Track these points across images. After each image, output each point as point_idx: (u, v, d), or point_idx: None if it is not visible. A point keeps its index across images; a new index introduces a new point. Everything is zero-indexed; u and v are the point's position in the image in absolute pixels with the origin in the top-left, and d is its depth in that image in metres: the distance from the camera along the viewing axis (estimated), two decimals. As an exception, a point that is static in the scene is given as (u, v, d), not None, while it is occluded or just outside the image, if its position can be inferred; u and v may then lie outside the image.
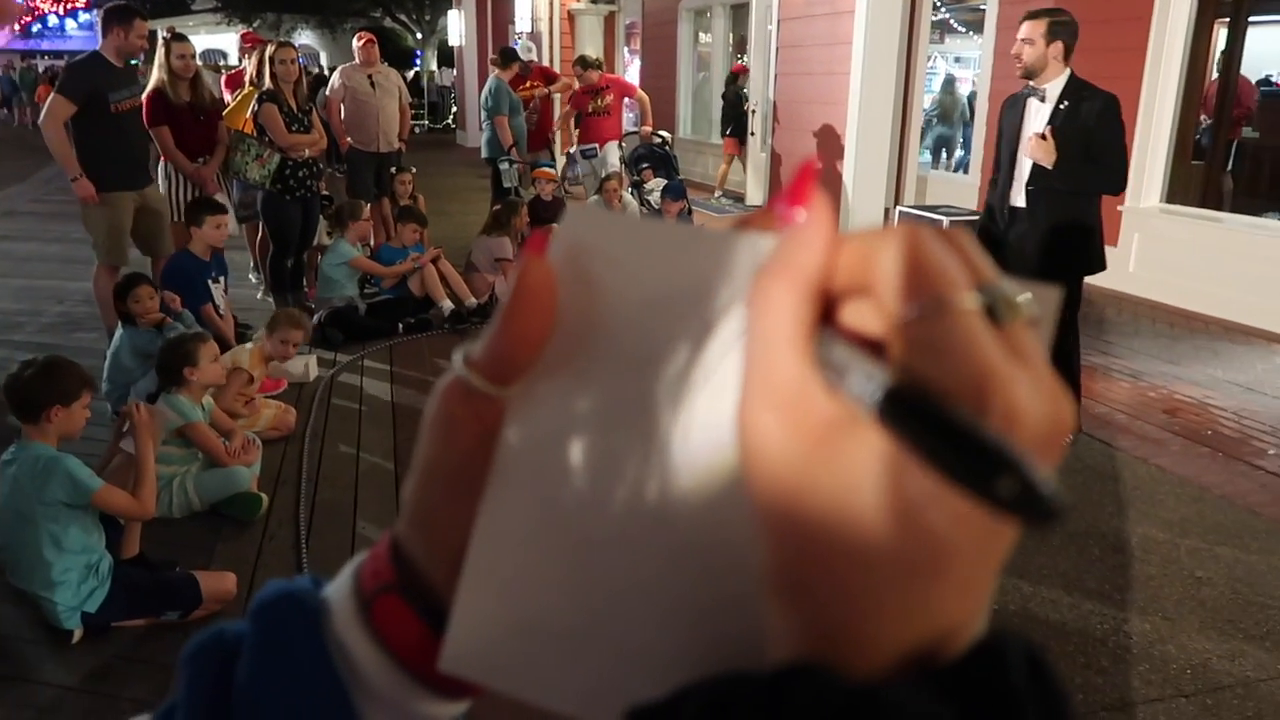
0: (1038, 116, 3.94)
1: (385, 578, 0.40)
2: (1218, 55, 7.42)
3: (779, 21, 9.67)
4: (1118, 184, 3.98)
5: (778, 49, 9.79)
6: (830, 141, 9.07)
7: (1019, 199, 4.04)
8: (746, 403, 0.31)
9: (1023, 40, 3.88)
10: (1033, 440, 0.26)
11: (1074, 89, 3.85)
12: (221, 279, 5.28)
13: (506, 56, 8.71)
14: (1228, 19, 7.33)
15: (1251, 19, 7.39)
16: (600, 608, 0.37)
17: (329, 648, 0.39)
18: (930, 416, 0.25)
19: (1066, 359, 4.07)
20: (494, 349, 0.37)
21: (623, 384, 0.37)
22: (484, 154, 8.62)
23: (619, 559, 0.37)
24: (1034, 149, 3.85)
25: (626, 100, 9.13)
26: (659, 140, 9.02)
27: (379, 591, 0.40)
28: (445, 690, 0.40)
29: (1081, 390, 4.21)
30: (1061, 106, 3.86)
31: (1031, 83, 3.95)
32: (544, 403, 0.38)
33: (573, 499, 0.37)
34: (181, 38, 5.89)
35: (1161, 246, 6.77)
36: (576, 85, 8.89)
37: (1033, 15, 3.91)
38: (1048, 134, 3.84)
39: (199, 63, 6.16)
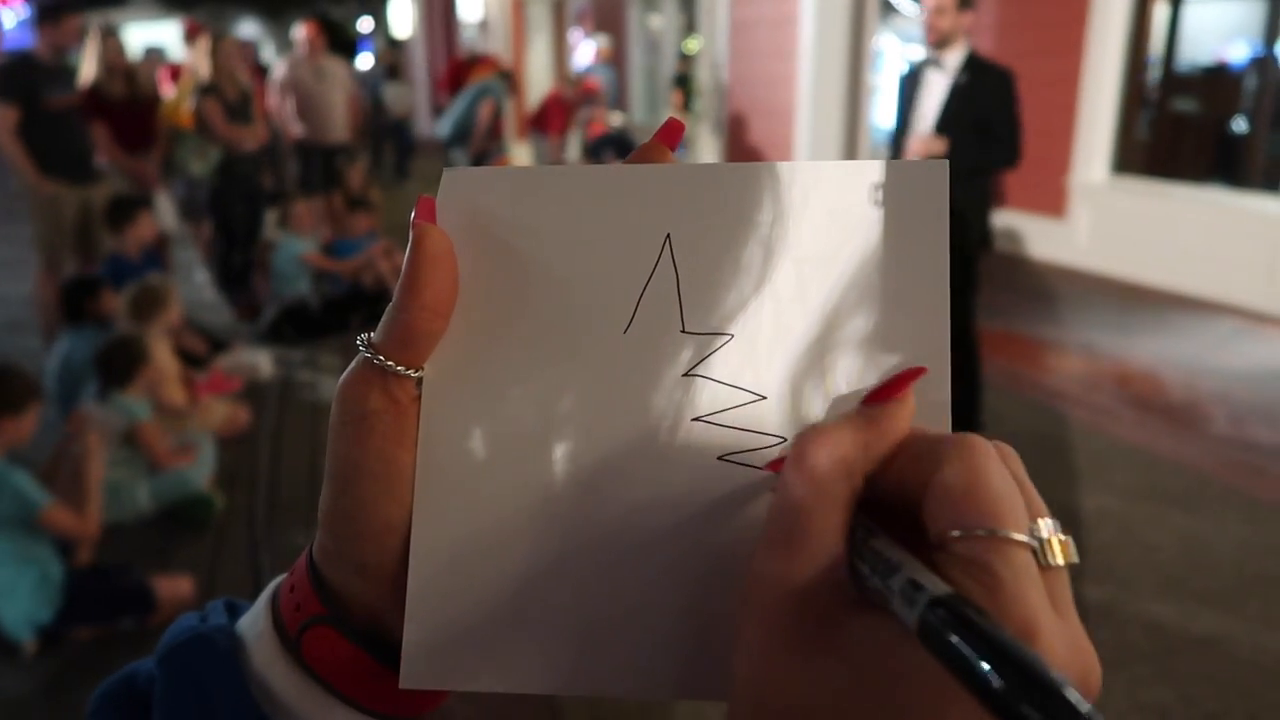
0: (935, 87, 3.86)
1: (311, 609, 0.37)
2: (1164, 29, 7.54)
3: (731, 2, 9.68)
4: (1014, 159, 3.88)
5: (731, 29, 9.80)
6: (782, 120, 9.10)
7: None
8: (765, 554, 0.29)
9: (936, 9, 3.78)
10: None
11: (973, 64, 3.80)
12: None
13: (507, 77, 9.36)
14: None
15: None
16: (555, 585, 0.36)
17: (249, 687, 0.37)
18: (989, 640, 0.23)
19: (970, 364, 3.82)
20: (399, 325, 0.35)
21: (555, 348, 0.36)
22: (446, 133, 8.66)
23: (575, 538, 0.36)
24: (922, 150, 3.75)
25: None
26: (616, 127, 9.11)
27: (308, 625, 0.37)
28: (394, 712, 0.38)
29: (983, 409, 3.98)
30: (960, 82, 3.78)
31: (933, 53, 3.87)
32: (466, 378, 0.36)
33: (515, 480, 0.36)
34: (112, 32, 5.77)
35: (1110, 219, 6.88)
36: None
37: None
38: (929, 139, 3.76)
39: (141, 58, 6.05)
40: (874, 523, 0.30)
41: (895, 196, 0.35)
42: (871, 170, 0.35)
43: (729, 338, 0.36)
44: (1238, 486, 3.67)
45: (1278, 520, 3.41)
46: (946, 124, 3.79)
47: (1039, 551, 0.28)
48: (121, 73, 5.71)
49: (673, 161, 0.37)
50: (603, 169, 0.36)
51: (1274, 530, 3.33)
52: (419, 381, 0.36)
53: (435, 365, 0.36)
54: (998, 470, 0.28)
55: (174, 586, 2.97)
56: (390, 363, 0.35)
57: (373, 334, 0.35)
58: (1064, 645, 0.26)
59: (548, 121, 9.50)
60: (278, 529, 3.48)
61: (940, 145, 3.74)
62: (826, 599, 0.28)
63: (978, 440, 0.29)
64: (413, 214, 0.36)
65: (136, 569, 3.05)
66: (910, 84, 3.97)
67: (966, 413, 3.80)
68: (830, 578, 0.28)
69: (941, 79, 3.83)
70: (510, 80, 9.52)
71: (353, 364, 0.36)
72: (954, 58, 3.81)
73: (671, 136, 0.38)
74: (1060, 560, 0.28)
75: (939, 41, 3.82)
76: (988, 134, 3.74)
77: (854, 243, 0.35)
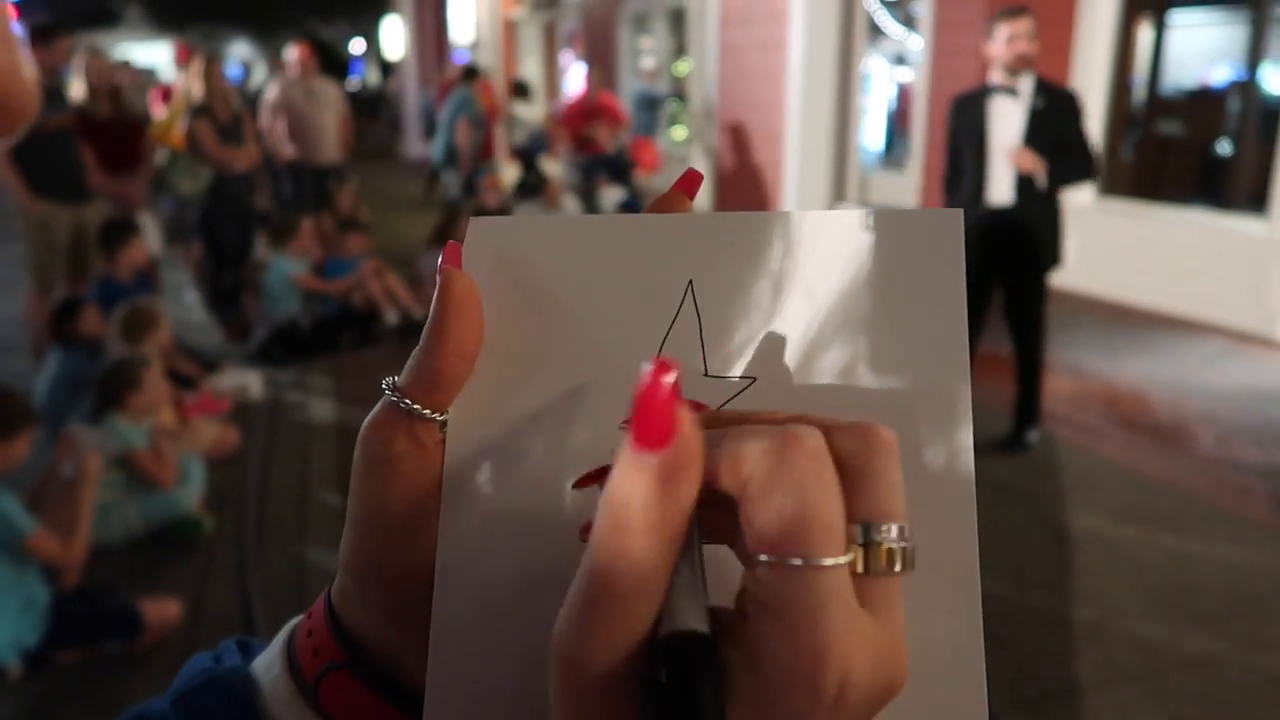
0: (1008, 114, 3.95)
1: (330, 655, 0.37)
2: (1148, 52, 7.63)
3: (720, 25, 9.76)
4: (1095, 173, 4.09)
5: (721, 52, 9.87)
6: (772, 142, 9.15)
7: (998, 198, 4.01)
8: (566, 625, 0.27)
9: (1025, 36, 3.90)
10: (856, 706, 0.25)
11: (1042, 87, 3.94)
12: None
13: (471, 73, 8.96)
14: (1152, 11, 7.53)
15: (1175, 9, 7.60)
16: None
17: None
18: (683, 688, 0.24)
19: (1031, 359, 4.18)
20: (425, 369, 0.35)
21: (579, 393, 0.36)
22: (438, 157, 8.66)
23: None
24: (1023, 162, 3.86)
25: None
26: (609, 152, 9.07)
27: (326, 671, 0.37)
28: None
29: (1041, 392, 4.29)
30: (1038, 107, 3.90)
31: (999, 80, 3.96)
32: (491, 422, 0.36)
33: (540, 526, 0.35)
34: (98, 52, 5.78)
35: (1097, 241, 6.93)
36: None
37: (1018, 12, 3.93)
38: (1020, 149, 3.87)
39: (126, 78, 6.06)
40: (693, 553, 0.28)
41: (914, 243, 0.36)
42: (889, 218, 0.36)
43: (752, 381, 0.36)
44: (1225, 506, 3.68)
45: (1265, 540, 3.42)
46: (1030, 147, 3.91)
47: (871, 558, 0.26)
48: (107, 93, 5.70)
49: (691, 210, 0.38)
50: (626, 218, 0.37)
51: (1261, 550, 3.35)
52: (443, 425, 0.36)
53: (460, 409, 0.36)
54: (811, 481, 0.25)
55: (161, 609, 2.95)
56: (416, 406, 0.35)
57: (397, 378, 0.36)
58: (862, 663, 0.25)
59: (565, 123, 9.31)
60: (267, 551, 3.46)
61: (1037, 162, 3.85)
62: (632, 672, 0.26)
63: (787, 445, 0.26)
64: (439, 259, 0.36)
65: (123, 592, 3.03)
66: (974, 111, 4.04)
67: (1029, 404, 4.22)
68: (636, 648, 0.26)
69: (1016, 105, 3.95)
70: (476, 76, 9.12)
71: (377, 407, 0.36)
72: (1027, 83, 3.95)
73: (690, 186, 0.39)
74: (896, 569, 0.26)
75: (1014, 69, 3.93)
76: (1066, 153, 3.89)
77: (871, 288, 0.36)
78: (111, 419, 3.50)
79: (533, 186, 8.92)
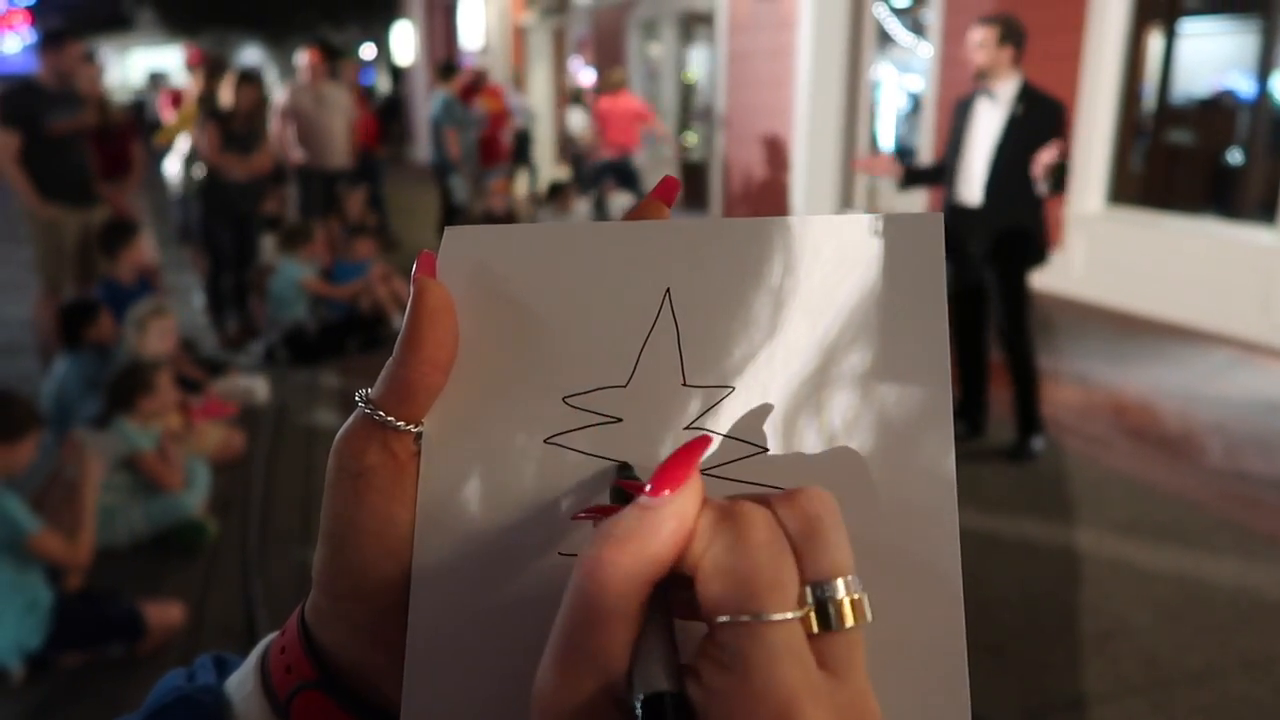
0: (988, 116, 4.02)
1: (303, 672, 0.36)
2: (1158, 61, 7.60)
3: (729, 32, 9.76)
4: (1061, 187, 4.08)
5: (729, 58, 9.87)
6: (779, 149, 9.15)
7: (969, 197, 4.07)
8: (546, 668, 0.28)
9: (978, 45, 3.97)
10: None
11: (1027, 95, 3.97)
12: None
13: (448, 70, 8.71)
14: (1162, 19, 7.50)
15: (1185, 17, 7.57)
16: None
17: None
18: None
19: (1018, 362, 4.15)
20: (398, 380, 0.34)
21: (556, 403, 0.36)
22: (434, 164, 8.63)
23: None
24: (1042, 172, 3.85)
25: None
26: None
27: (299, 689, 0.36)
28: None
29: (1039, 397, 4.27)
30: (1017, 113, 3.94)
31: (982, 83, 4.03)
32: (466, 434, 0.36)
33: (516, 538, 0.35)
34: (87, 57, 5.78)
35: (1106, 250, 6.91)
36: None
37: (986, 21, 4.00)
38: (1055, 153, 3.86)
39: (146, 83, 6.08)
40: (664, 607, 0.29)
41: (894, 247, 0.35)
42: (870, 222, 0.36)
43: (731, 390, 0.35)
44: (1232, 517, 3.66)
45: (1272, 551, 3.40)
46: (1001, 152, 3.95)
47: (825, 614, 0.27)
48: (95, 101, 5.70)
49: (669, 218, 0.38)
50: (602, 226, 0.37)
51: (1269, 561, 3.32)
52: (418, 437, 0.35)
53: (435, 420, 0.35)
54: (759, 547, 0.27)
55: (164, 613, 2.95)
56: (389, 418, 0.34)
57: (371, 389, 0.35)
58: (832, 715, 0.25)
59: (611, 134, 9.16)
60: (270, 556, 3.46)
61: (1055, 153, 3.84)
62: (607, 717, 0.27)
63: (741, 514, 0.28)
64: (414, 268, 0.35)
65: (126, 595, 3.03)
66: (962, 113, 4.13)
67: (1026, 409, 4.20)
68: (611, 696, 0.27)
69: (994, 109, 4.01)
70: (453, 74, 8.63)
71: (350, 418, 0.35)
72: (1006, 89, 3.98)
73: (668, 193, 0.39)
74: (849, 622, 0.27)
75: (979, 74, 4.01)
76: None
77: (853, 292, 0.35)
78: (120, 422, 3.51)
79: (552, 191, 8.77)
